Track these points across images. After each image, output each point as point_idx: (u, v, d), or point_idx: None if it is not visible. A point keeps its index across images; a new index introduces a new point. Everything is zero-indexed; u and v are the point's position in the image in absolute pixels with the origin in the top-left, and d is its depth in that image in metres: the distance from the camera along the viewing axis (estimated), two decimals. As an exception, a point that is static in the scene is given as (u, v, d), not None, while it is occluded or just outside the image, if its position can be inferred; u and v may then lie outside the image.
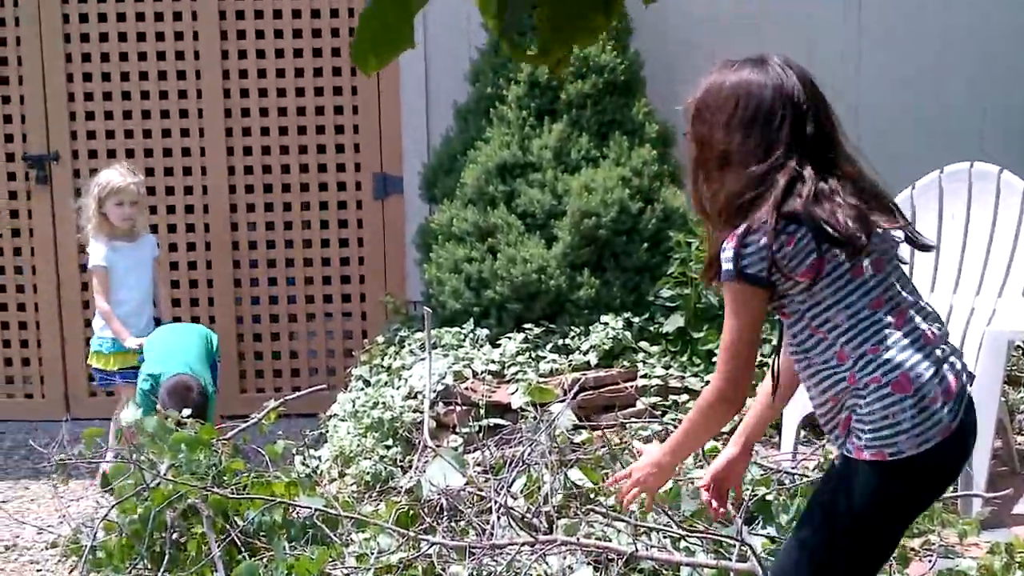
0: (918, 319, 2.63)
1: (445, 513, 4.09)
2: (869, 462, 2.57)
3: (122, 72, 6.88)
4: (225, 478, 4.34)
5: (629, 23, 6.24)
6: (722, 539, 3.78)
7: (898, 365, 2.56)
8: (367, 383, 5.89)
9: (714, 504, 3.01)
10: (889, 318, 2.59)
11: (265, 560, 3.93)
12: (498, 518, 3.98)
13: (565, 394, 5.14)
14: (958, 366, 2.64)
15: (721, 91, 2.66)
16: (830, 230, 2.54)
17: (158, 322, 5.97)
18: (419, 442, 4.99)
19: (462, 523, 4.10)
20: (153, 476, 4.18)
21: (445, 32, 6.43)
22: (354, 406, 5.69)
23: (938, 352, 2.61)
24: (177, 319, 6.58)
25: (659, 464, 2.87)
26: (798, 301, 2.62)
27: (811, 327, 2.63)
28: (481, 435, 5.11)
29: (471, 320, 5.89)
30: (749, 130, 2.61)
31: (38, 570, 4.82)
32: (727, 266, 2.58)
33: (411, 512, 4.20)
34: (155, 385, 5.44)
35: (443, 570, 3.71)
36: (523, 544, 3.76)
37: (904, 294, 2.65)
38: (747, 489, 4.13)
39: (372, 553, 3.74)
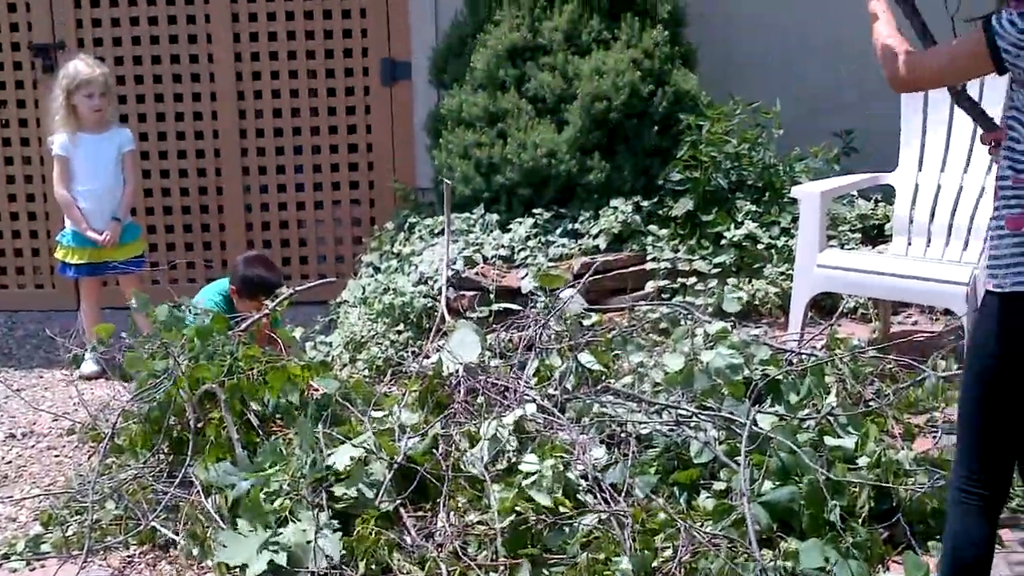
0: None
1: (462, 391, 4.13)
2: (987, 292, 2.64)
3: (124, -42, 6.79)
4: (241, 364, 4.37)
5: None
6: (732, 417, 3.81)
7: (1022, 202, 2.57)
8: (377, 269, 5.91)
9: None
10: None
11: (283, 441, 3.98)
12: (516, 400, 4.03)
13: (575, 279, 5.16)
14: None
15: None
16: None
17: (116, 220, 5.79)
18: (431, 326, 5.01)
19: (480, 399, 4.14)
20: (172, 364, 4.21)
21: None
22: (364, 292, 5.71)
23: None
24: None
25: None
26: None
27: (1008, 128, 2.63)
28: (491, 320, 5.14)
29: (481, 206, 5.89)
30: None
31: (56, 456, 4.86)
32: (993, 18, 2.58)
33: (429, 390, 4.23)
34: (222, 293, 5.38)
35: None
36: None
37: None
38: (756, 369, 4.17)
39: (396, 429, 3.80)
